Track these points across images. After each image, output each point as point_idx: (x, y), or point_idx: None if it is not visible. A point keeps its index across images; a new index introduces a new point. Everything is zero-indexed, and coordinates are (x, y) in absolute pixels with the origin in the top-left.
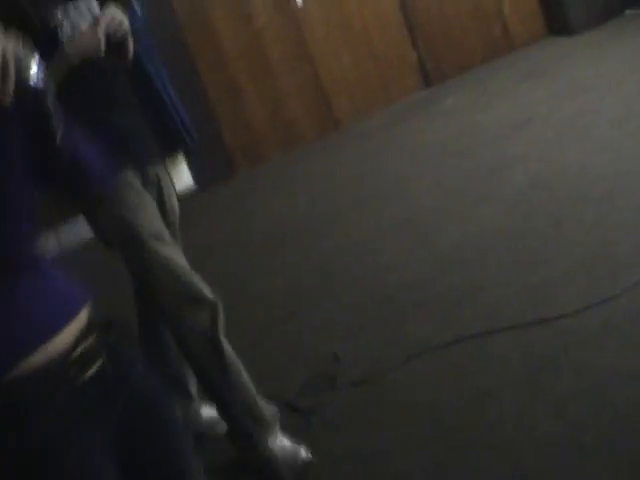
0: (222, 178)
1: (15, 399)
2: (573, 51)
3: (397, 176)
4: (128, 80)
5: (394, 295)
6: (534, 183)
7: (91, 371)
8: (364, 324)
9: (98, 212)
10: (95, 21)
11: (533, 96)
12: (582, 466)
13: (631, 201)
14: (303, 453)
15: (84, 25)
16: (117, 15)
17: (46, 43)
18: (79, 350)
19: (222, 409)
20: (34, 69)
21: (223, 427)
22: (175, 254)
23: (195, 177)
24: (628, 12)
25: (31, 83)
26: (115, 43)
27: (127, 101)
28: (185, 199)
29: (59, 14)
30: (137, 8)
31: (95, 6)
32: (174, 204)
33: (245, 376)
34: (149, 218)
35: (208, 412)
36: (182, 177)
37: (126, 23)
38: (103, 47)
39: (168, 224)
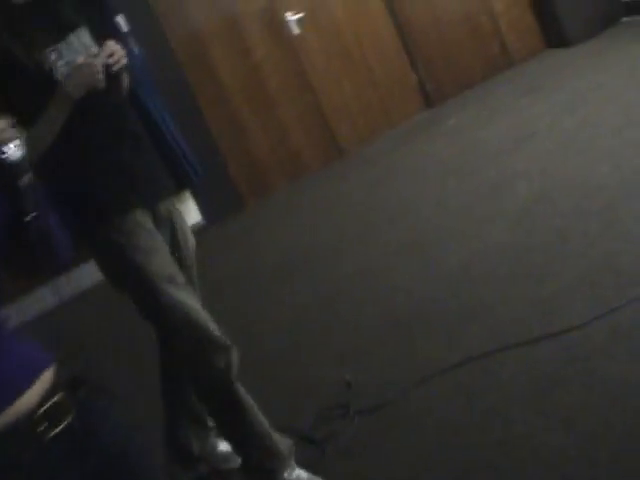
0: (230, 212)
1: None
2: (571, 62)
3: (401, 199)
4: (134, 115)
5: (402, 318)
6: (537, 197)
7: (58, 428)
8: (374, 349)
9: (108, 255)
10: (90, 52)
11: (534, 110)
12: None
13: (634, 211)
14: None
15: (80, 59)
16: (116, 48)
17: (43, 86)
18: (44, 409)
19: (237, 447)
20: (12, 147)
21: (239, 461)
22: (189, 297)
23: (203, 212)
24: (624, 19)
25: (8, 160)
26: (111, 76)
27: (137, 137)
28: (194, 235)
29: (52, 56)
30: (134, 47)
31: (87, 37)
32: (189, 241)
33: (258, 413)
34: (162, 261)
35: (225, 446)
36: (190, 213)
37: (124, 57)
38: (103, 77)
39: (183, 263)
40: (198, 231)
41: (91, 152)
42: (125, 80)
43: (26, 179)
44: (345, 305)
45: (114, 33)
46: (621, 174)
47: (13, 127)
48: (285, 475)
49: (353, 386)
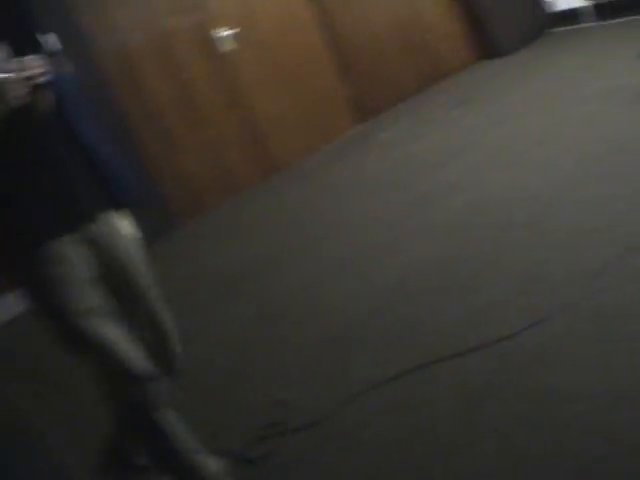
0: (165, 230)
1: None
2: (503, 73)
3: (336, 214)
4: (61, 137)
5: (337, 334)
6: (469, 210)
7: None
8: (310, 366)
9: (27, 284)
10: (7, 67)
11: (465, 122)
12: None
13: (562, 221)
14: None
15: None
16: (35, 64)
17: None
18: None
19: (163, 473)
20: None
21: None
22: (108, 329)
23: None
24: (552, 30)
25: None
26: (33, 92)
27: (62, 160)
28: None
29: None
30: (65, 66)
31: (5, 52)
32: (130, 259)
33: (185, 439)
34: (79, 293)
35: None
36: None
37: (48, 72)
38: (27, 92)
39: (125, 285)
40: None
41: (10, 180)
42: (48, 98)
43: None
44: (282, 321)
45: (37, 50)
46: (550, 185)
47: None
48: None
49: (289, 403)
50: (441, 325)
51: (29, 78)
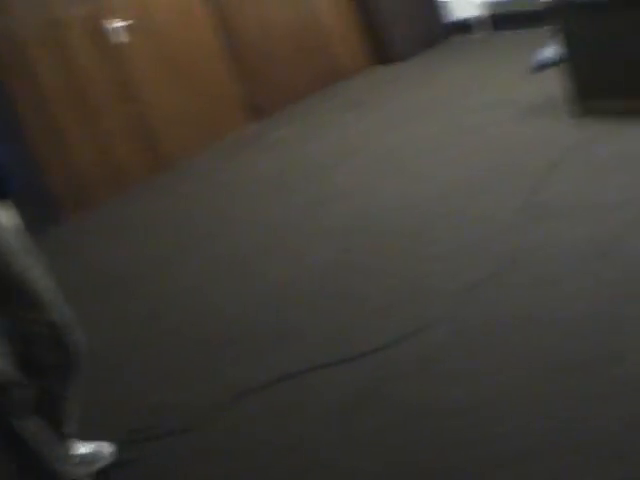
0: (49, 224)
1: None
2: (397, 79)
3: (224, 214)
4: None
5: (219, 336)
6: (357, 216)
7: None
8: (188, 368)
9: None
10: None
11: (358, 126)
12: None
13: (445, 230)
14: None
15: None
16: None
17: None
18: None
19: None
20: None
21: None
22: None
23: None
24: (450, 39)
25: None
26: None
27: None
28: None
29: None
30: None
31: None
32: (8, 248)
33: (50, 446)
34: None
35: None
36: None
37: None
38: None
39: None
40: None
41: None
42: None
43: None
44: (161, 324)
45: None
46: (435, 195)
47: None
48: None
49: (163, 407)
50: (322, 331)
51: None
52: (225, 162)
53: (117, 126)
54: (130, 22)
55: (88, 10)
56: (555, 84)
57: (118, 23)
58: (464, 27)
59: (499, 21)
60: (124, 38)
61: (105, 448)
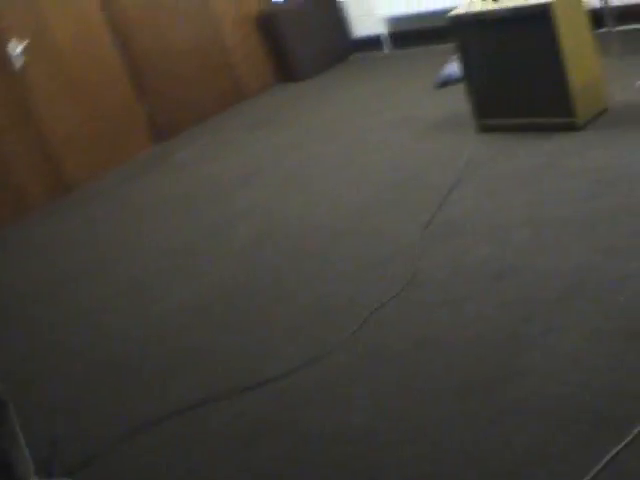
0: None
1: None
2: (301, 98)
3: (125, 238)
4: None
5: (116, 365)
6: (257, 238)
7: None
8: (84, 399)
9: None
10: None
11: (262, 146)
12: None
13: (345, 251)
14: None
15: None
16: None
17: None
18: None
19: None
20: None
21: None
22: None
23: None
24: (355, 55)
25: None
26: None
27: None
28: None
29: None
30: None
31: None
32: None
33: None
34: None
35: None
36: None
37: None
38: None
39: None
40: None
41: None
42: None
43: None
44: (57, 351)
45: None
46: (339, 214)
47: None
48: None
49: (60, 440)
50: (218, 361)
51: None
52: (128, 184)
53: (16, 149)
54: (26, 42)
55: None
56: (460, 100)
57: (14, 43)
58: (369, 44)
59: (403, 38)
60: (20, 58)
61: None
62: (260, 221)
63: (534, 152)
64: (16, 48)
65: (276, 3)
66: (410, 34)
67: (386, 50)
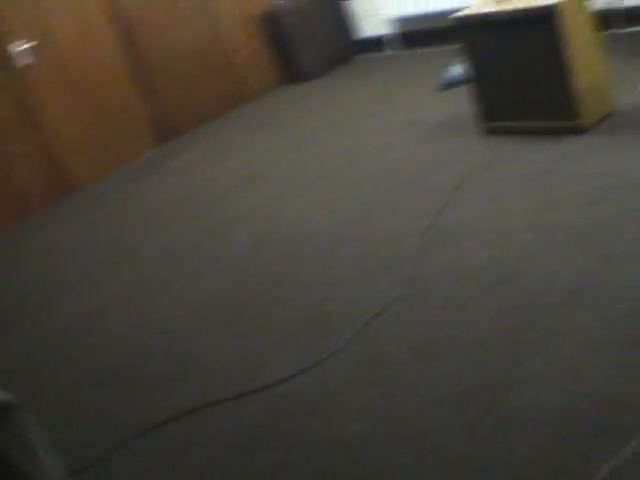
0: None
1: None
2: (304, 99)
3: (126, 241)
4: None
5: (113, 371)
6: (257, 243)
7: None
8: (82, 405)
9: None
10: None
11: (264, 148)
12: None
13: (344, 256)
14: None
15: None
16: None
17: None
18: None
19: None
20: None
21: None
22: None
23: None
24: (359, 56)
25: None
26: None
27: None
28: None
29: None
30: None
31: None
32: None
33: None
34: None
35: None
36: None
37: None
38: None
39: None
40: None
41: None
42: None
43: None
44: (55, 357)
45: None
46: (338, 219)
47: None
48: None
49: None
50: (217, 366)
51: None
52: (130, 187)
53: (19, 152)
54: (33, 43)
55: None
56: (463, 103)
57: (20, 45)
58: (374, 45)
59: (409, 38)
60: (25, 60)
61: None
62: (260, 224)
63: (537, 156)
64: (19, 50)
65: (278, 4)
66: (416, 35)
67: (390, 51)
